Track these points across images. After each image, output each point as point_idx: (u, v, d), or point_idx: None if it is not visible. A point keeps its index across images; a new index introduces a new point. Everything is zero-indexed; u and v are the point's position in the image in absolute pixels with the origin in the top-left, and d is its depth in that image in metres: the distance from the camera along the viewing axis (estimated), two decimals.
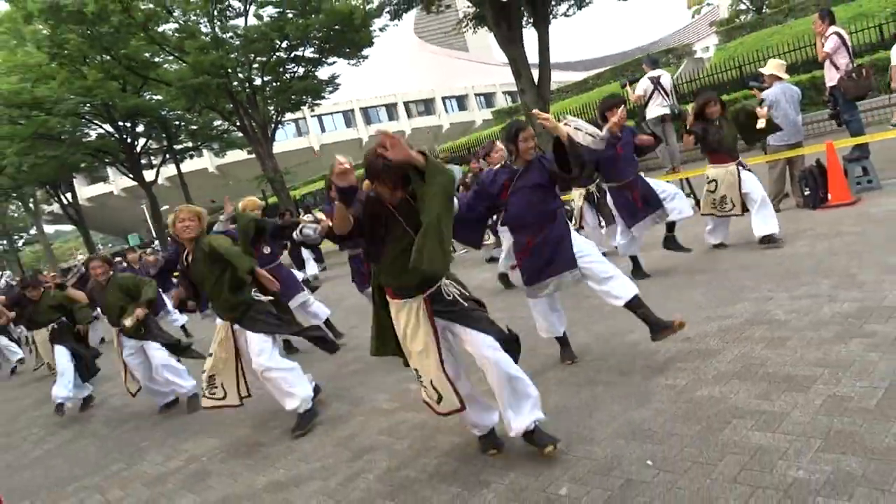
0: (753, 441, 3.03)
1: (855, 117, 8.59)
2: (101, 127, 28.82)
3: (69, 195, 36.96)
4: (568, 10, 18.31)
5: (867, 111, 13.17)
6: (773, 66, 7.36)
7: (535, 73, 15.44)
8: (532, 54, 15.62)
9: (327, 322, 7.57)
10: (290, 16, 21.42)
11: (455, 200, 3.78)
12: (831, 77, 8.55)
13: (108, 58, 22.59)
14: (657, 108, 10.80)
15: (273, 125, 24.72)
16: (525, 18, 15.98)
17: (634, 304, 4.42)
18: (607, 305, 4.69)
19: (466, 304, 3.39)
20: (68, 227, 59.75)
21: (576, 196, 7.64)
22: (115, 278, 6.51)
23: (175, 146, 30.96)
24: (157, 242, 31.06)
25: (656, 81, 10.72)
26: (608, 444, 3.39)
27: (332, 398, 5.56)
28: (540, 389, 4.35)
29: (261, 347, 4.85)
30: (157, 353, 6.35)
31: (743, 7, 47.75)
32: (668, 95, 10.73)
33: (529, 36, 15.95)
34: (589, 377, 4.43)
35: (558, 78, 47.07)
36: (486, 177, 4.64)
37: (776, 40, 21.78)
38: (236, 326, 4.96)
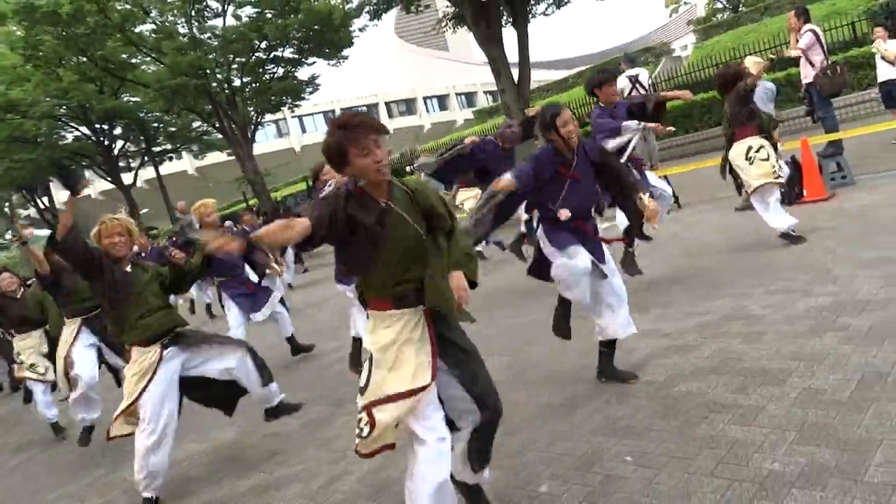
0: (730, 435, 3.07)
1: (829, 114, 8.73)
2: (77, 129, 28.50)
3: (46, 199, 36.46)
4: (547, 9, 18.38)
5: (841, 108, 13.37)
6: (750, 64, 7.45)
7: (515, 72, 15.49)
8: (512, 53, 15.69)
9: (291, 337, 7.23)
10: (268, 16, 21.31)
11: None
12: (807, 74, 8.68)
13: (85, 59, 22.33)
14: None
15: (253, 126, 24.58)
16: (504, 18, 16.04)
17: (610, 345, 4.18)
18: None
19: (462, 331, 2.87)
20: (46, 232, 58.92)
21: None
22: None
23: (153, 148, 30.69)
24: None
25: (634, 80, 10.80)
26: (588, 441, 3.42)
27: (314, 400, 5.55)
28: (522, 389, 4.41)
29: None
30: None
31: (720, 6, 48.26)
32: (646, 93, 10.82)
33: (509, 35, 16.02)
34: (570, 375, 4.46)
35: (538, 77, 47.16)
36: (531, 167, 4.01)
37: (753, 38, 22.06)
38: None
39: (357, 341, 5.59)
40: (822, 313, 4.24)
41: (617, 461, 3.13)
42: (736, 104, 6.21)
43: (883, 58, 9.24)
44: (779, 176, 6.15)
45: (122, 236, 4.36)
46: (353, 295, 4.31)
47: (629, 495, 2.83)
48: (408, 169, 9.34)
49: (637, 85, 10.79)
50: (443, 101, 69.00)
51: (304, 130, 61.72)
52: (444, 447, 2.68)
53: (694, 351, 4.23)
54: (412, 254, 2.67)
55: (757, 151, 6.17)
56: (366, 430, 2.65)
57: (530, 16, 17.13)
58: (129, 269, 4.37)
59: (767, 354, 3.86)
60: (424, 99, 67.61)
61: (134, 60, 23.63)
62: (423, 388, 2.63)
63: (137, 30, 21.29)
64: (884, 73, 9.33)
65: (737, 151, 6.26)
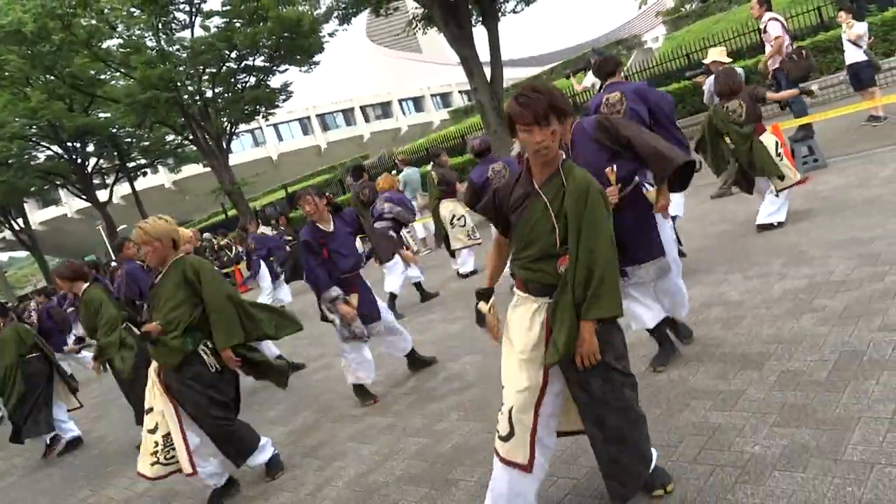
0: (712, 421, 3.09)
1: (797, 99, 8.82)
2: (49, 148, 28.13)
3: (21, 220, 35.96)
4: (516, 6, 18.42)
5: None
6: (715, 54, 7.53)
7: (488, 71, 15.51)
8: (484, 52, 15.69)
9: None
10: (237, 25, 21.17)
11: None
12: (774, 60, 8.77)
13: (52, 77, 22.07)
14: None
15: (228, 137, 24.39)
16: (474, 17, 16.06)
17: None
18: None
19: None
20: (23, 254, 58.11)
21: None
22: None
23: (128, 164, 30.37)
24: (114, 264, 30.39)
25: None
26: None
27: (300, 407, 5.52)
28: (501, 387, 4.40)
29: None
30: None
31: None
32: None
33: (480, 34, 16.03)
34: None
35: (511, 75, 47.37)
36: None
37: (721, 27, 22.26)
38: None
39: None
40: (798, 296, 4.29)
41: None
42: (752, 104, 6.25)
43: (849, 40, 9.38)
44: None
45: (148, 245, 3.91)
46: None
47: None
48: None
49: None
50: (418, 103, 68.94)
51: (280, 138, 61.38)
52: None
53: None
54: (540, 245, 2.55)
55: (779, 149, 6.27)
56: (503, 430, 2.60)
57: (500, 14, 17.16)
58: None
59: (746, 339, 3.89)
60: (400, 101, 67.50)
61: (103, 76, 23.35)
62: (527, 389, 2.54)
63: (104, 45, 21.04)
64: (851, 55, 9.47)
65: (769, 141, 6.23)
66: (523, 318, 2.61)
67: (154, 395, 3.93)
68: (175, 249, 3.96)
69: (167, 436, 3.92)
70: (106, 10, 19.80)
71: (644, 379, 3.81)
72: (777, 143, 6.25)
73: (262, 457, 4.16)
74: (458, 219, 8.69)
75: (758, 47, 16.16)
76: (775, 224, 6.10)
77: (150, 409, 3.96)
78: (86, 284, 5.53)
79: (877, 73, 9.77)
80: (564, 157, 2.58)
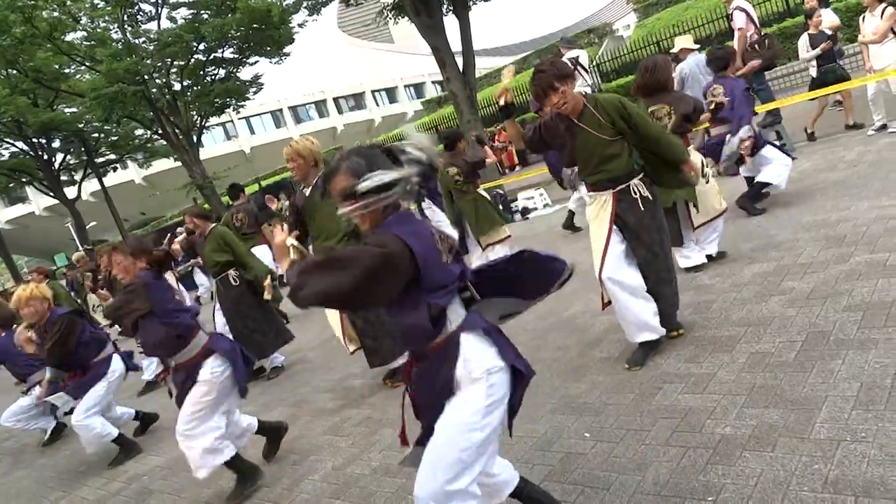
0: (683, 404, 3.13)
1: (764, 86, 8.93)
2: (13, 145, 27.43)
3: None
4: None
5: (776, 78, 13.73)
6: (682, 42, 7.59)
7: (460, 61, 15.44)
8: (455, 42, 15.61)
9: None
10: (204, 17, 20.80)
11: None
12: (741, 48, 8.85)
13: (14, 71, 21.50)
14: (579, 88, 10.95)
15: (198, 130, 24.02)
16: (445, 6, 15.96)
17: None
18: None
19: (650, 210, 3.74)
20: None
21: None
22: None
23: (96, 160, 29.74)
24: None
25: (575, 62, 10.86)
26: (548, 421, 3.44)
27: (276, 402, 5.48)
28: None
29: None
30: None
31: None
32: (587, 74, 10.90)
33: (452, 24, 15.95)
34: (528, 355, 4.44)
35: (484, 64, 47.30)
36: None
37: (691, 14, 22.42)
38: None
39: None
40: (767, 279, 4.35)
41: (576, 438, 3.16)
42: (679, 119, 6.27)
43: (825, 30, 9.48)
44: None
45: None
46: None
47: (589, 471, 2.86)
48: None
49: (577, 67, 10.86)
50: (392, 94, 68.54)
51: (252, 132, 60.63)
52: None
53: None
54: (598, 153, 3.68)
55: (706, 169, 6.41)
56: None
57: (471, 2, 17.08)
58: None
59: (716, 322, 3.94)
60: (373, 92, 67.02)
61: (67, 70, 22.84)
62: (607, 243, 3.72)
63: (68, 38, 20.56)
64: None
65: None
66: (595, 208, 3.84)
67: None
68: (316, 167, 4.76)
69: None
70: (69, 2, 19.36)
71: (617, 364, 3.85)
72: (703, 160, 5.24)
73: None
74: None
75: (727, 33, 16.34)
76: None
77: None
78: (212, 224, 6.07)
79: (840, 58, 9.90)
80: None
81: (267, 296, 5.64)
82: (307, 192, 4.80)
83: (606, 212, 3.74)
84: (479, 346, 2.16)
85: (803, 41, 8.56)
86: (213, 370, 3.77)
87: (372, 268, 1.97)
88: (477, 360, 2.13)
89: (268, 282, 5.65)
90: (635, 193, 3.72)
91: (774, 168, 5.92)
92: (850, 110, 8.37)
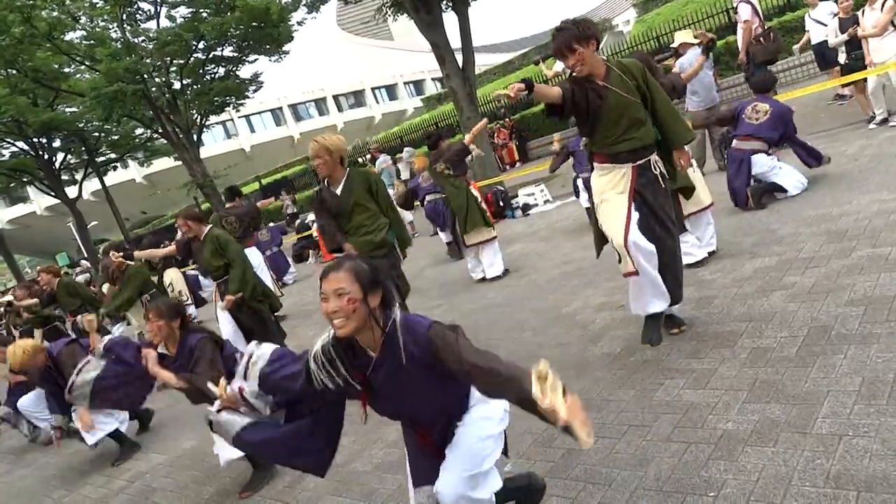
0: (685, 399, 3.12)
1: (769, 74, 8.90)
2: (13, 145, 27.41)
3: None
4: None
5: (779, 72, 13.67)
6: (682, 36, 7.56)
7: (460, 57, 15.41)
8: (455, 38, 15.57)
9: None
10: (204, 15, 20.72)
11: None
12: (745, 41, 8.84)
13: (14, 71, 21.46)
14: None
15: (198, 129, 23.99)
16: (444, 2, 15.92)
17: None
18: (543, 279, 4.73)
19: (664, 186, 3.71)
20: None
21: None
22: None
23: (96, 159, 29.72)
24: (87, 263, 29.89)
25: None
26: None
27: None
28: None
29: None
30: None
31: None
32: None
33: (451, 20, 15.91)
34: (530, 352, 4.48)
35: (483, 61, 47.25)
36: None
37: (691, 8, 22.35)
38: None
39: None
40: (768, 274, 4.34)
41: None
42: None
43: (816, 21, 9.46)
44: None
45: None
46: None
47: (590, 467, 2.86)
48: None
49: None
50: (391, 91, 68.46)
51: (252, 130, 60.60)
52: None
53: None
54: (628, 116, 3.56)
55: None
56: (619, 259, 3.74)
57: None
58: None
59: (718, 318, 3.94)
60: (373, 90, 66.93)
61: (67, 70, 22.79)
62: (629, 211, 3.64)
63: (67, 37, 20.51)
64: (816, 35, 9.55)
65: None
66: (611, 181, 3.70)
67: None
68: (342, 165, 4.71)
69: None
70: (68, 2, 19.31)
71: (618, 360, 3.85)
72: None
73: None
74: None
75: (727, 28, 16.30)
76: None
77: None
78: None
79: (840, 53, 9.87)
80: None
81: (227, 305, 5.46)
82: (338, 190, 4.72)
83: (625, 183, 3.66)
84: None
85: (833, 25, 8.41)
86: None
87: None
88: None
89: (234, 297, 5.41)
90: (655, 169, 3.69)
91: (792, 178, 6.09)
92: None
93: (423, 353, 2.13)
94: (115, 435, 5.32)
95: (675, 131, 3.69)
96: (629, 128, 3.59)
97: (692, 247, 5.03)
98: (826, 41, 9.40)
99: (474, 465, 2.21)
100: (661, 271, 3.74)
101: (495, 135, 19.92)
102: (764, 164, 6.06)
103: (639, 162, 3.66)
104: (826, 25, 9.33)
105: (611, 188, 3.71)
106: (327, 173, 4.72)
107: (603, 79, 3.54)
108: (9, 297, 8.25)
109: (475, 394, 2.31)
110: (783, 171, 6.14)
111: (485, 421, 2.29)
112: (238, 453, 3.75)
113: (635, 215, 3.66)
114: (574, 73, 3.58)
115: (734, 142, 6.37)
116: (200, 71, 22.65)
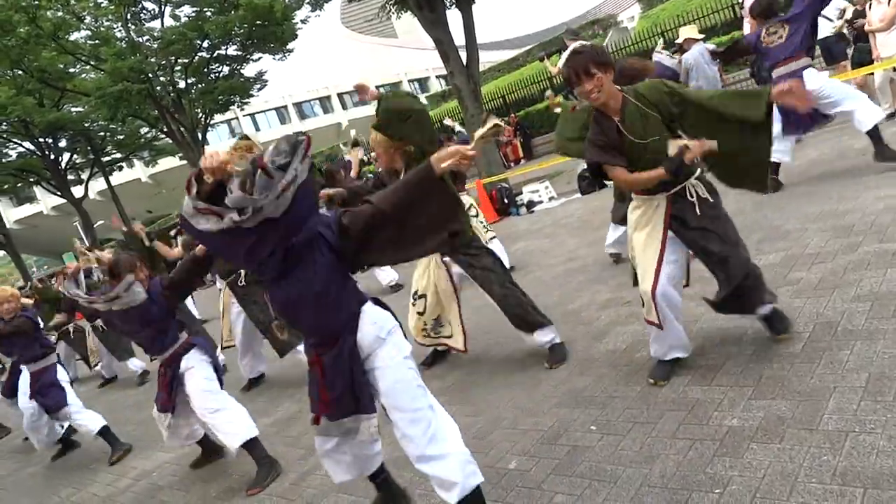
0: (690, 396, 3.11)
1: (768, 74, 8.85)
2: (20, 145, 27.58)
3: None
4: None
5: None
6: (687, 32, 7.55)
7: (464, 55, 15.40)
8: (459, 36, 15.55)
9: None
10: (208, 14, 20.82)
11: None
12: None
13: (20, 72, 21.58)
14: None
15: (203, 128, 24.08)
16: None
17: None
18: (548, 276, 4.72)
19: (707, 212, 3.22)
20: None
21: None
22: None
23: (102, 158, 29.88)
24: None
25: None
26: (554, 414, 3.43)
27: (282, 398, 5.50)
28: (484, 370, 4.43)
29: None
30: None
31: None
32: None
33: (455, 17, 15.89)
34: (531, 352, 4.47)
35: (487, 58, 47.21)
36: None
37: (696, 4, 22.27)
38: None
39: None
40: (774, 270, 4.31)
41: (582, 432, 3.15)
42: None
43: (823, 16, 9.40)
44: None
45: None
46: None
47: (595, 464, 2.85)
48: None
49: None
50: (396, 89, 68.47)
51: (257, 129, 60.63)
52: None
53: None
54: (653, 149, 3.12)
55: None
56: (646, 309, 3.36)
57: None
58: None
59: (723, 314, 3.91)
60: (378, 87, 66.59)
61: (72, 70, 22.91)
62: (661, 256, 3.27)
63: (72, 37, 20.62)
64: (822, 30, 9.50)
65: None
66: (644, 214, 3.35)
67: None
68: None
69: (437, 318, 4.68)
70: (73, 2, 19.40)
71: (623, 357, 3.84)
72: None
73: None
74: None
75: (733, 23, 16.24)
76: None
77: (423, 295, 4.67)
78: None
79: (848, 47, 9.82)
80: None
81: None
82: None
83: (659, 217, 3.27)
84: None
85: (878, 12, 8.12)
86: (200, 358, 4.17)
87: None
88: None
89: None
90: (692, 196, 3.21)
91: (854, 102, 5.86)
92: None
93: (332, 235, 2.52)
94: (104, 433, 5.54)
95: (745, 109, 3.10)
96: (654, 164, 3.11)
97: None
98: (832, 36, 9.36)
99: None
100: (738, 288, 3.25)
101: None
102: (815, 81, 5.65)
103: (674, 190, 3.23)
104: (832, 21, 9.29)
105: (644, 223, 3.36)
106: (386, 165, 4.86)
107: (621, 114, 3.17)
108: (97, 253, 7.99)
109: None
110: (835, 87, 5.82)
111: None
112: (244, 437, 3.93)
113: (670, 259, 3.28)
114: (590, 101, 3.20)
115: (773, 74, 5.96)
116: (205, 70, 22.75)
